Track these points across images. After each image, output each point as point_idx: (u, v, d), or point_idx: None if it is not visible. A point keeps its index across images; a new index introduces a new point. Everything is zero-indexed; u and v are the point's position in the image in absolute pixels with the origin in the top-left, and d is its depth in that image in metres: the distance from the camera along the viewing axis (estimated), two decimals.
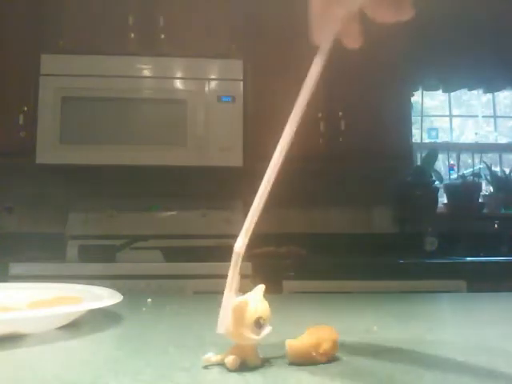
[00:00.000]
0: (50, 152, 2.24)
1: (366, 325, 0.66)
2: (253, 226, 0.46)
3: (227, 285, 0.45)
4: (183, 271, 1.99)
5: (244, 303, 0.43)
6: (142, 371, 0.43)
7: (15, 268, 1.94)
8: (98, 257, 2.08)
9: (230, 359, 0.43)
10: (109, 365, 0.47)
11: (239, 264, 0.45)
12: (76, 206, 2.54)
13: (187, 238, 2.40)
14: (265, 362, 0.45)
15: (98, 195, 2.58)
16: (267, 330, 0.44)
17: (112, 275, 1.93)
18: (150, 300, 0.88)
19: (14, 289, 0.82)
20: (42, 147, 2.24)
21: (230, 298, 0.44)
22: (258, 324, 0.43)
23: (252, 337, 0.43)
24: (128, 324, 0.69)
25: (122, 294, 0.71)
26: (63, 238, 2.47)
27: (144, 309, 0.82)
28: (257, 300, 0.45)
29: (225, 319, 0.43)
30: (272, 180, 0.46)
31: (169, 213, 2.57)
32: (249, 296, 0.45)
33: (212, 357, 0.45)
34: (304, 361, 0.45)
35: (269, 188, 0.46)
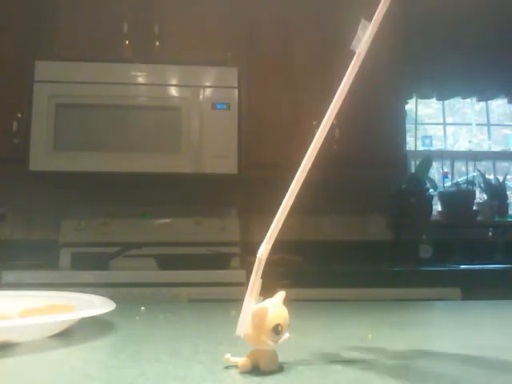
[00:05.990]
0: (43, 159, 2.23)
1: (361, 333, 0.66)
2: (276, 233, 0.46)
3: (248, 289, 0.45)
4: (177, 279, 1.98)
5: (264, 309, 0.44)
6: (136, 380, 0.43)
7: (7, 276, 1.93)
8: (91, 264, 2.07)
9: (241, 362, 0.45)
10: (101, 374, 0.47)
11: (261, 270, 0.46)
12: (69, 214, 2.53)
13: (181, 245, 2.39)
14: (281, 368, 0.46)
15: (92, 202, 2.56)
16: (285, 337, 0.45)
17: (105, 283, 1.92)
18: (143, 308, 0.87)
19: (6, 297, 0.81)
20: (36, 154, 2.23)
21: (251, 302, 0.45)
22: (276, 331, 0.44)
23: (269, 343, 0.44)
24: (121, 333, 0.68)
25: (115, 302, 0.70)
26: (56, 245, 2.45)
27: (137, 317, 0.81)
28: (277, 307, 0.45)
29: (244, 323, 0.44)
30: (298, 188, 0.46)
31: (163, 220, 2.56)
32: (269, 302, 0.45)
33: (230, 357, 0.46)
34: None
35: (294, 196, 0.47)
